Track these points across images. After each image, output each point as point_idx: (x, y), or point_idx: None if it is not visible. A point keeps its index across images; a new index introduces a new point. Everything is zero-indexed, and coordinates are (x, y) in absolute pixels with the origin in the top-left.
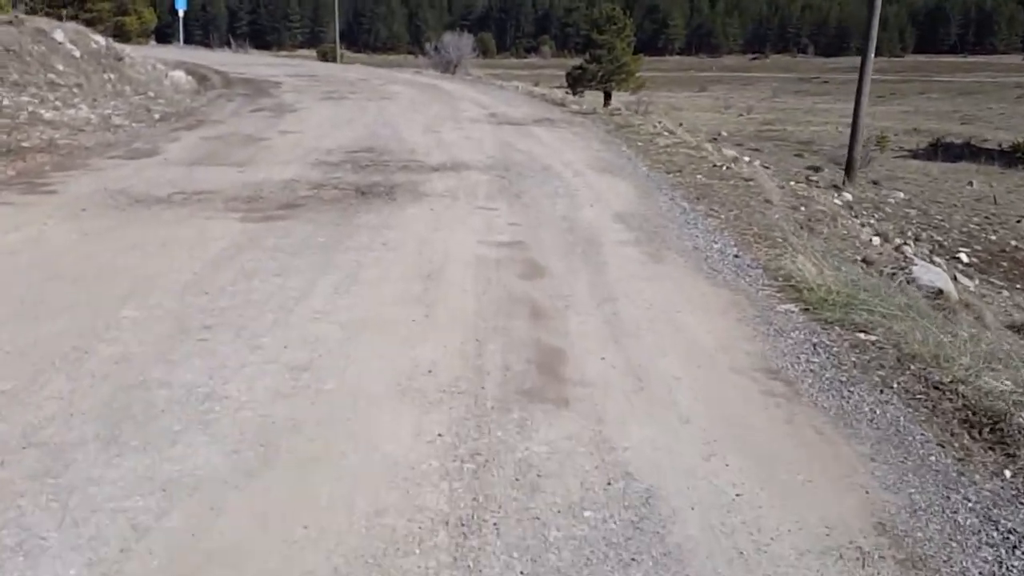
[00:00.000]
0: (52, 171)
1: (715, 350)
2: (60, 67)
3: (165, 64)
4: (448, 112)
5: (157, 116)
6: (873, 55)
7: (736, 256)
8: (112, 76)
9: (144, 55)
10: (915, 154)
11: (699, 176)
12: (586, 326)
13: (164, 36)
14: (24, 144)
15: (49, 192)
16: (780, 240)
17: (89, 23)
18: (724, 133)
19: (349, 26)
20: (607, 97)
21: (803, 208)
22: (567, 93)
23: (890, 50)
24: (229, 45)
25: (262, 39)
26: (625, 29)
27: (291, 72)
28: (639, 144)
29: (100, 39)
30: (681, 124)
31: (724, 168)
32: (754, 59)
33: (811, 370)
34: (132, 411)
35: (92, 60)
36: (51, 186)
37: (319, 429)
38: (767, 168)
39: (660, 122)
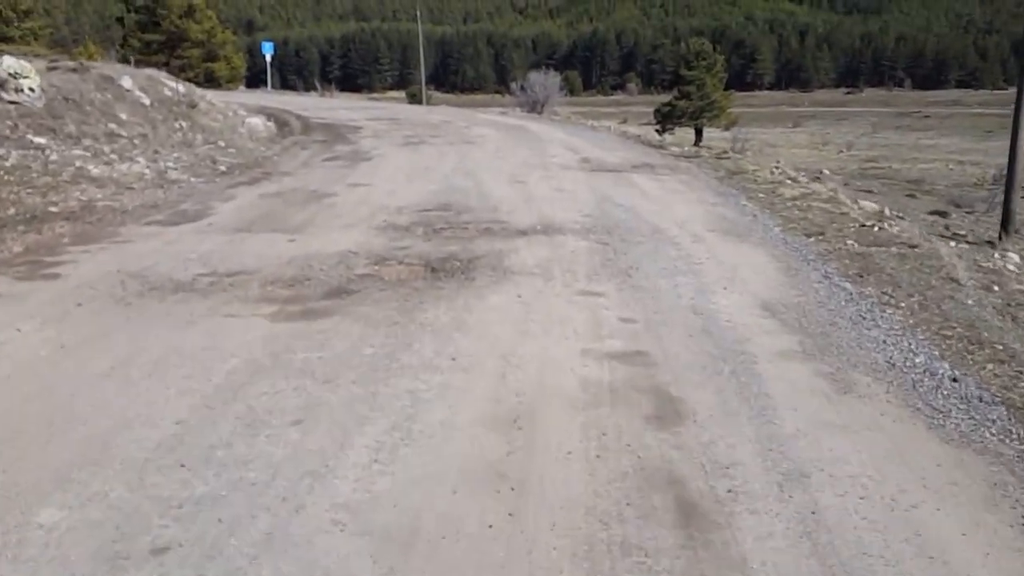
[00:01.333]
0: (69, 244)
1: None
2: (123, 116)
3: (246, 110)
4: (536, 158)
5: (222, 168)
6: None
7: (954, 380)
8: (183, 124)
9: (227, 101)
10: None
11: (849, 241)
12: (776, 547)
13: (257, 81)
14: (52, 209)
15: (50, 277)
16: (1000, 348)
17: (181, 70)
18: (826, 171)
19: (437, 68)
20: (698, 134)
21: (996, 287)
22: (657, 131)
23: (992, 82)
24: (316, 89)
25: (353, 82)
26: (716, 65)
27: (373, 116)
28: (760, 195)
29: (175, 85)
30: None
31: (875, 229)
32: (848, 93)
33: None
34: None
35: (162, 108)
36: (57, 267)
37: None
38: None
39: (778, 166)
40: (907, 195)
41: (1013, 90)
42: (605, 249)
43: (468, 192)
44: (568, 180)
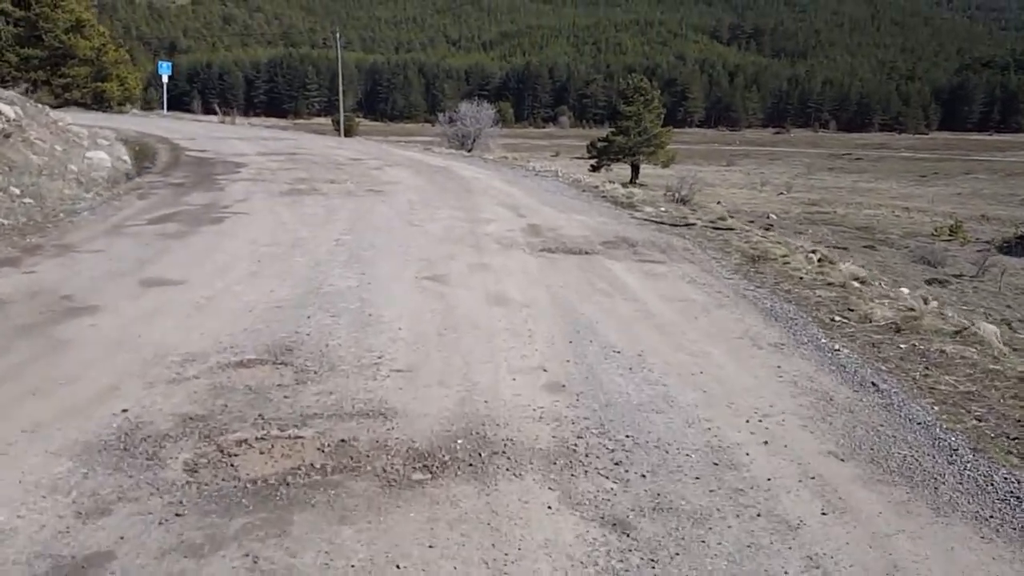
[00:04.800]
0: None
1: None
2: None
3: (108, 139)
4: (464, 224)
5: None
6: None
7: None
8: None
9: (92, 127)
10: (1006, 247)
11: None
12: None
13: (179, 104)
14: None
15: None
16: None
17: (65, 89)
18: (773, 216)
19: (368, 95)
20: (635, 171)
21: None
22: (592, 167)
23: (915, 127)
24: (214, 112)
25: (279, 107)
26: (653, 100)
27: (268, 149)
28: (837, 314)
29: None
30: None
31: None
32: (777, 133)
33: None
34: None
35: None
36: None
37: None
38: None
39: (815, 250)
40: (865, 247)
41: (936, 135)
42: (623, 534)
43: (342, 309)
44: (514, 276)
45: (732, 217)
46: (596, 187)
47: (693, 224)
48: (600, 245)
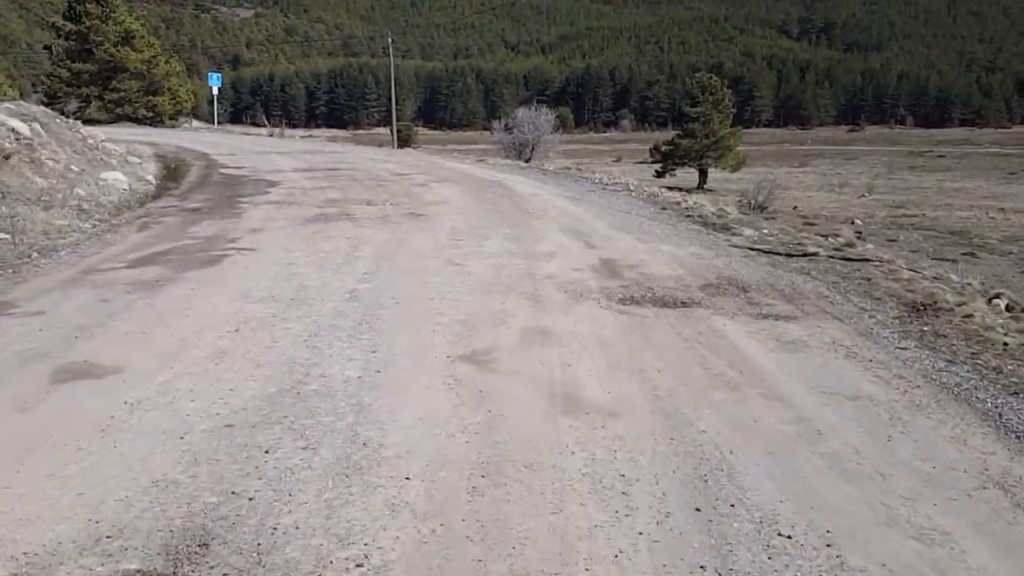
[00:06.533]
0: None
1: None
2: None
3: (136, 157)
4: (518, 260)
5: None
6: None
7: None
8: None
9: (134, 141)
10: None
11: None
12: None
13: (240, 116)
14: None
15: None
16: None
17: (117, 104)
18: (858, 221)
19: (426, 103)
20: (703, 176)
21: None
22: (656, 173)
23: (998, 121)
24: (264, 125)
25: (340, 118)
26: (723, 100)
27: (306, 165)
28: None
29: (16, 124)
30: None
31: None
32: (851, 131)
33: None
34: None
35: None
36: None
37: None
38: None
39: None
40: (964, 254)
41: (1021, 129)
42: None
43: (323, 432)
44: (589, 351)
45: (860, 240)
46: (678, 203)
47: (814, 253)
48: (701, 291)
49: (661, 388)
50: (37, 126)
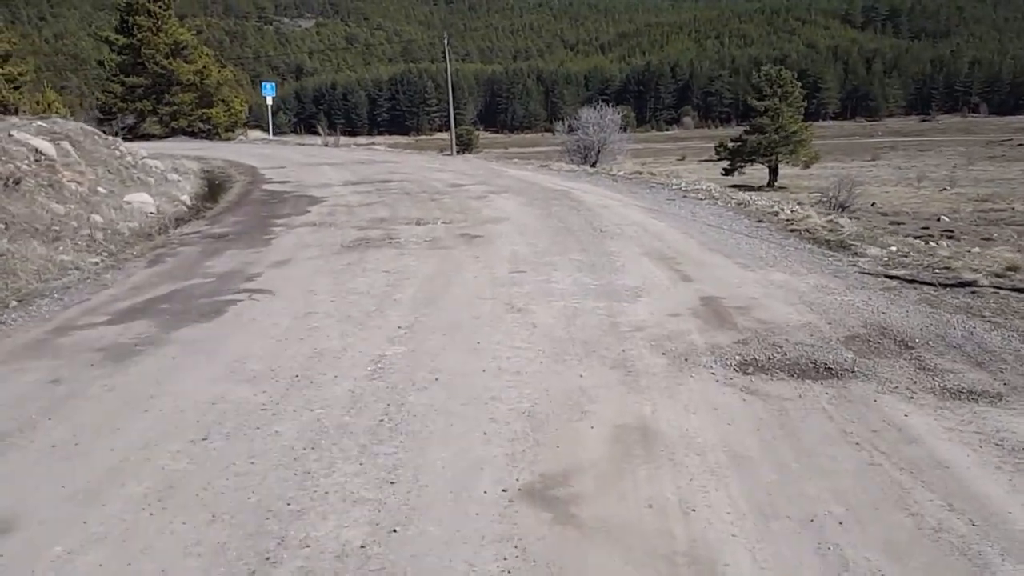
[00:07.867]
0: None
1: None
2: None
3: (177, 174)
4: (595, 302)
5: None
6: None
7: None
8: None
9: (180, 156)
10: None
11: None
12: None
13: (305, 127)
14: None
15: None
16: None
17: (172, 117)
18: (944, 218)
19: (487, 106)
20: (773, 173)
21: None
22: (724, 171)
23: None
24: (319, 134)
25: (401, 124)
26: (794, 93)
27: (357, 177)
28: None
29: (40, 143)
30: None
31: None
32: (923, 121)
33: None
34: None
35: None
36: None
37: None
38: None
39: None
40: None
41: None
42: None
43: None
44: (715, 476)
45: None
46: (775, 214)
47: (972, 282)
48: (847, 348)
49: (857, 567)
50: (66, 145)
